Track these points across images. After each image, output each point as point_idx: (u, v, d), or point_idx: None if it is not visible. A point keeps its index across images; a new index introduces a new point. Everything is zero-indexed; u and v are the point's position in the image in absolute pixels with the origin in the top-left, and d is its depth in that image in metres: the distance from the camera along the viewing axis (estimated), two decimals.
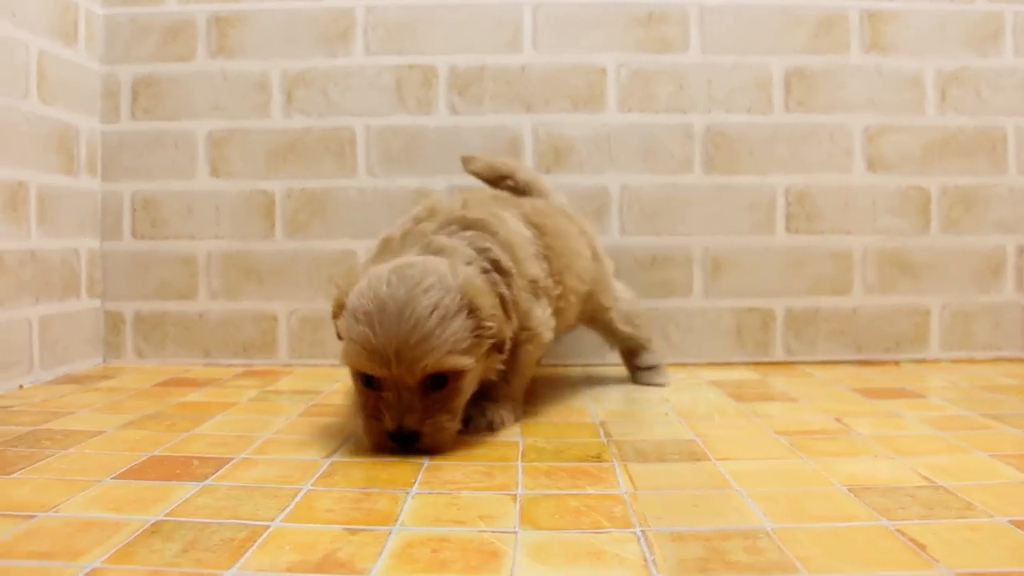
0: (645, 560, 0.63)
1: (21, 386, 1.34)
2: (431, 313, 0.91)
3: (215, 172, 1.58)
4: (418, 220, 1.09)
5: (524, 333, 1.07)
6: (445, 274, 0.95)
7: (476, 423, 1.04)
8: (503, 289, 1.01)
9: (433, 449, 0.94)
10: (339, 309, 0.98)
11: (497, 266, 1.03)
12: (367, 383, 0.94)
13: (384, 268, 0.96)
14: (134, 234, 1.59)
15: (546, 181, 1.42)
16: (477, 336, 0.95)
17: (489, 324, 0.96)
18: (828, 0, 1.55)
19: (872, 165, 1.57)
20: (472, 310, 0.94)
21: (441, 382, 0.93)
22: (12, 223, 1.34)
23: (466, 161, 1.41)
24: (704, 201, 1.57)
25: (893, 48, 1.56)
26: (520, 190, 1.36)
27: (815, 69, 1.56)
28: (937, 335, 1.59)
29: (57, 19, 1.46)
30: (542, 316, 1.10)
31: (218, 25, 1.57)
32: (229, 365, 1.57)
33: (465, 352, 0.93)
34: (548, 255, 1.15)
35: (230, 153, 1.58)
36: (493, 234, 1.06)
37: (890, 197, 1.58)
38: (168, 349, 1.59)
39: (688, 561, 0.63)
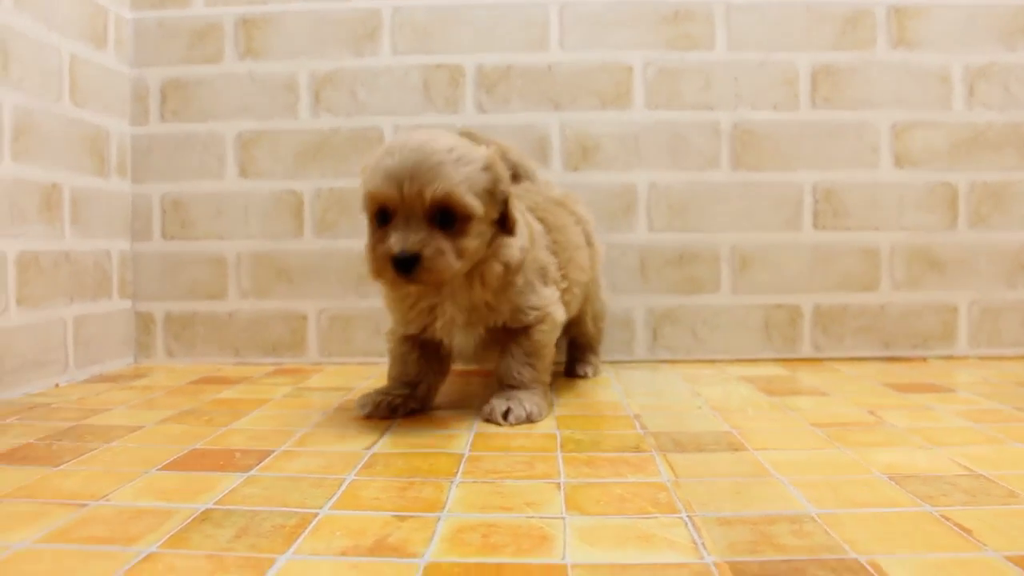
0: (695, 543, 0.63)
1: (57, 385, 1.36)
2: (449, 152, 0.97)
3: (244, 173, 1.59)
4: None
5: (533, 313, 1.09)
6: (468, 142, 1.03)
7: (516, 414, 1.04)
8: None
9: (431, 275, 0.96)
10: (362, 185, 1.03)
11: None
12: (381, 221, 0.98)
13: None
14: (164, 235, 1.60)
15: (534, 165, 1.42)
16: (489, 192, 0.99)
17: (503, 187, 1.00)
18: None
19: (899, 161, 1.57)
20: (489, 167, 1.00)
21: (449, 219, 0.96)
22: (47, 224, 1.35)
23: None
24: (731, 198, 1.57)
25: (920, 43, 1.56)
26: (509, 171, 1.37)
27: (841, 65, 1.56)
28: (965, 332, 1.58)
29: (88, 23, 1.48)
30: (550, 296, 1.12)
31: (245, 27, 1.59)
32: (259, 364, 1.58)
33: (476, 196, 0.97)
34: (555, 250, 1.18)
35: (259, 154, 1.59)
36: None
37: (917, 193, 1.57)
38: (198, 348, 1.60)
39: (738, 544, 0.63)
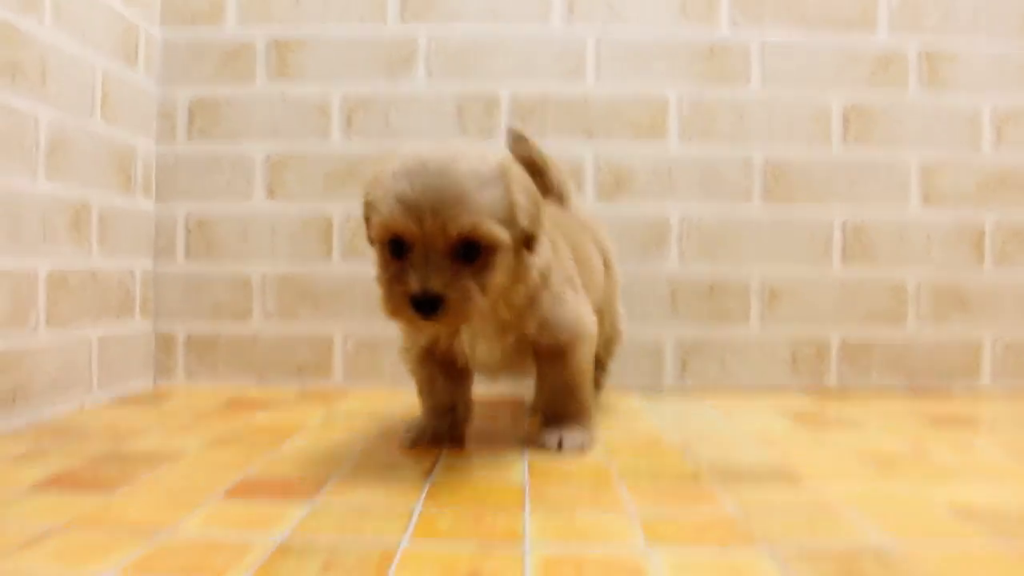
0: None
1: (81, 406, 1.33)
2: (470, 177, 0.88)
3: (272, 194, 1.58)
4: None
5: (567, 331, 1.04)
6: (483, 153, 0.93)
7: (571, 441, 1.04)
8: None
9: (456, 318, 0.89)
10: (369, 206, 0.93)
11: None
12: (395, 252, 0.89)
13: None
14: (188, 255, 1.58)
15: (572, 187, 1.38)
16: (511, 213, 0.91)
17: (526, 204, 0.92)
18: (887, 38, 1.58)
19: (928, 200, 1.58)
20: (508, 183, 0.91)
21: (474, 253, 0.89)
22: (75, 243, 1.33)
23: (515, 137, 1.30)
24: (762, 232, 1.58)
25: (951, 85, 1.58)
26: (546, 187, 1.30)
27: (873, 105, 1.58)
28: (988, 367, 1.59)
29: (120, 40, 1.47)
30: (582, 304, 1.07)
31: (278, 49, 1.58)
32: (282, 387, 1.56)
33: (502, 223, 0.89)
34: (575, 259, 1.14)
35: (288, 176, 1.58)
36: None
37: (945, 231, 1.59)
38: (220, 371, 1.58)
39: None
